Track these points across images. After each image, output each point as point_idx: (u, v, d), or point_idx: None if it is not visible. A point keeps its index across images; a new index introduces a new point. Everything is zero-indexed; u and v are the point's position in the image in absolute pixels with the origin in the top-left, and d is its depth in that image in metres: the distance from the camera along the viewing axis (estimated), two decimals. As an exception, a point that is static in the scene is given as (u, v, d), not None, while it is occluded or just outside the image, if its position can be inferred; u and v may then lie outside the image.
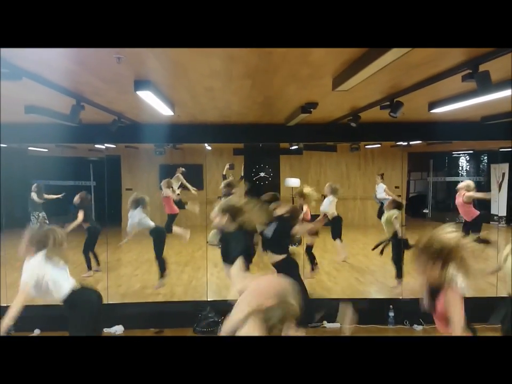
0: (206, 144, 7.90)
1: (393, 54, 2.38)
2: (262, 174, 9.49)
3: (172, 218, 8.28)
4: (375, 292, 6.86)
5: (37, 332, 5.96)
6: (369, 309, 6.24)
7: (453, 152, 12.32)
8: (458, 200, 7.51)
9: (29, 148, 8.77)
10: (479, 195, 7.65)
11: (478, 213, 7.44)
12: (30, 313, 4.41)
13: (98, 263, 7.65)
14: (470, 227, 7.24)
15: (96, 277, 7.36)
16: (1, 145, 6.60)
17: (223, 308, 5.28)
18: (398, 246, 6.58)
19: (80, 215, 7.58)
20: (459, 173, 12.51)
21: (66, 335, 3.92)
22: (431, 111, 4.83)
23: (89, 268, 7.52)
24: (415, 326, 5.99)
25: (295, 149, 8.11)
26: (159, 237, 7.11)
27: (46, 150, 8.99)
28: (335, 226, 7.73)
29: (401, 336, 5.58)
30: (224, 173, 9.53)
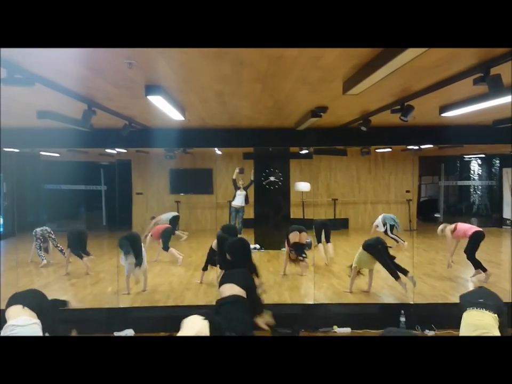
0: (216, 149, 7.93)
1: (404, 57, 2.37)
2: (272, 178, 9.49)
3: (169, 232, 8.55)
4: (386, 297, 6.82)
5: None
6: (380, 314, 6.20)
7: (465, 156, 12.25)
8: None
9: (41, 153, 8.86)
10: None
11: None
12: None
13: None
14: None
15: (106, 281, 7.40)
16: (14, 150, 6.69)
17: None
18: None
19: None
20: (470, 177, 12.42)
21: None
22: (442, 115, 4.80)
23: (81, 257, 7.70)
24: (427, 331, 5.94)
25: (305, 153, 8.11)
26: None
27: (58, 154, 9.07)
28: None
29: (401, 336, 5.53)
30: (234, 177, 9.56)
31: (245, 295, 4.34)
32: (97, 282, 7.44)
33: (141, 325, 6.03)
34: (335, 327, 6.11)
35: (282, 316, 6.17)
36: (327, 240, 8.30)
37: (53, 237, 8.22)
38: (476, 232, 7.32)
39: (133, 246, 6.81)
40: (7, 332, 3.41)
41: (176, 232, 9.02)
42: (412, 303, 6.27)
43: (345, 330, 6.07)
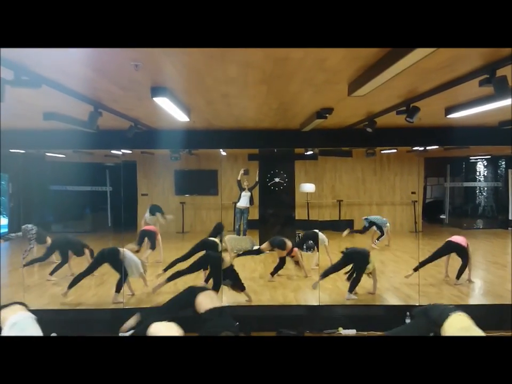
0: (221, 150, 7.93)
1: (409, 58, 2.37)
2: (277, 180, 9.49)
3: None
4: (390, 298, 6.80)
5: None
6: (385, 316, 6.18)
7: (470, 157, 12.20)
8: None
9: (46, 154, 8.89)
10: None
11: None
12: (48, 317, 4.43)
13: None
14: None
15: (111, 282, 7.41)
16: (20, 151, 6.73)
17: (238, 313, 5.29)
18: None
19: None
20: (476, 178, 12.38)
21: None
22: (448, 116, 4.79)
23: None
24: (432, 333, 5.91)
25: (310, 154, 8.10)
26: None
27: (64, 155, 9.10)
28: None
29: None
30: (238, 178, 9.56)
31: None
32: (102, 283, 7.45)
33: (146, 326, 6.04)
34: (340, 328, 6.10)
35: (287, 317, 6.18)
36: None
37: (29, 236, 8.12)
38: (447, 241, 7.38)
39: (109, 261, 6.80)
40: (6, 329, 3.40)
41: (159, 216, 8.92)
42: (418, 304, 6.24)
43: (351, 332, 6.05)
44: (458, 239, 7.32)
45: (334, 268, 6.89)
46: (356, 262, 6.78)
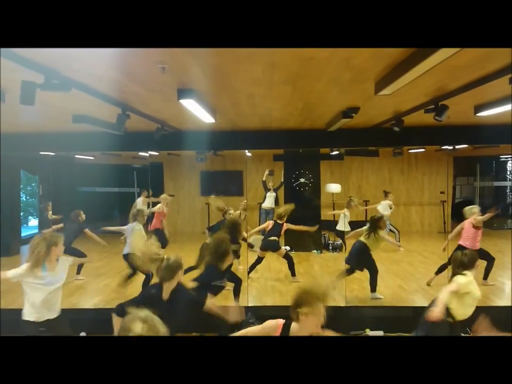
0: (246, 151, 7.95)
1: (437, 57, 2.34)
2: (302, 180, 9.46)
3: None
4: (419, 300, 6.70)
5: (82, 335, 6.10)
6: (413, 317, 6.08)
7: (501, 156, 11.92)
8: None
9: (76, 156, 9.06)
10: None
11: None
12: (77, 316, 4.53)
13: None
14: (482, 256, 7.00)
15: (140, 282, 7.51)
16: (50, 153, 6.88)
17: (264, 313, 5.30)
18: None
19: None
20: (507, 177, 12.09)
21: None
22: (477, 114, 4.70)
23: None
24: (462, 334, 5.80)
25: (335, 154, 8.05)
26: None
27: (92, 157, 9.26)
28: None
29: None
30: (263, 179, 9.57)
31: None
32: (130, 283, 7.54)
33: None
34: (367, 330, 6.04)
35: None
36: None
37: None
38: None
39: None
40: None
41: None
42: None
43: (378, 333, 5.99)
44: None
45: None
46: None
